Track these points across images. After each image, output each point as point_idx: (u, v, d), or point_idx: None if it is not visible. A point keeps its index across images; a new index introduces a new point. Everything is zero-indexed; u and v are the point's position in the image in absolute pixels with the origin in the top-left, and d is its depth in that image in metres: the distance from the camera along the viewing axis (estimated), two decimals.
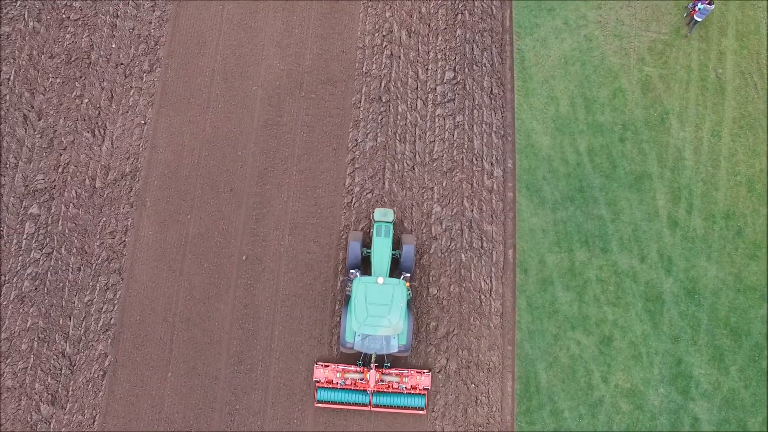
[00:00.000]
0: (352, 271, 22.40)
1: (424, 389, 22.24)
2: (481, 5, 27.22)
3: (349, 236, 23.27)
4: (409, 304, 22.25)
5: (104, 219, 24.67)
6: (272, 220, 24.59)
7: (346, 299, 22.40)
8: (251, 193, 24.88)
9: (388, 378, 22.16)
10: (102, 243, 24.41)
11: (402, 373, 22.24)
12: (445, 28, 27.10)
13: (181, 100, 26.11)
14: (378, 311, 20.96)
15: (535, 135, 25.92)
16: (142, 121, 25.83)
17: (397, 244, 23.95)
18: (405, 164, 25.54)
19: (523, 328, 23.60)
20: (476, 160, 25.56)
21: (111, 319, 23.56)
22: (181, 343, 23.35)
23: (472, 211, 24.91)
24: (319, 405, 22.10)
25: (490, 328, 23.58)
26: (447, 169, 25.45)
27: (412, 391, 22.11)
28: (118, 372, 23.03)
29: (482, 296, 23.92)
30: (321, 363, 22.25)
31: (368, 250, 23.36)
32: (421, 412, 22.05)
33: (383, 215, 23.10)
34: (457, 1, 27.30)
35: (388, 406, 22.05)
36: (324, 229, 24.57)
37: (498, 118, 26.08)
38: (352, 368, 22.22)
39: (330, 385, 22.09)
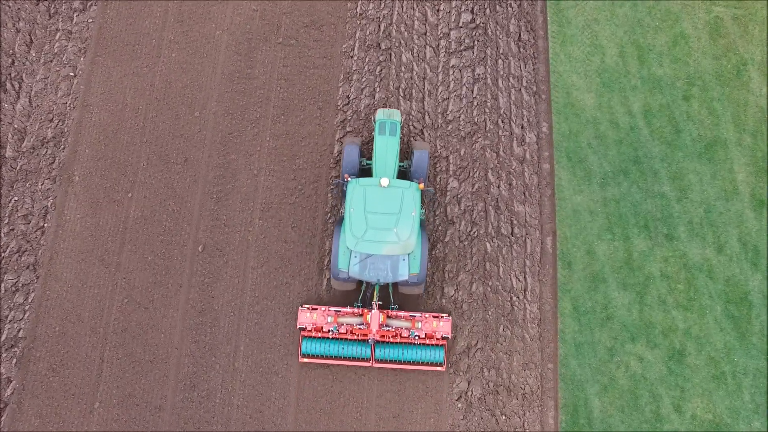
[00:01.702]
0: (346, 175, 18.11)
1: (443, 338, 17.91)
2: None
3: (344, 140, 19.06)
4: (423, 226, 18.11)
5: (16, 198, 19.43)
6: (238, 200, 19.74)
7: (339, 220, 18.14)
8: (211, 165, 20.10)
9: (395, 323, 17.80)
10: (12, 230, 19.15)
11: (414, 317, 17.90)
12: None
13: (124, 47, 21.21)
14: (382, 222, 16.90)
15: (576, 92, 21.34)
16: (71, 73, 20.84)
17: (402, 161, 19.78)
18: (411, 127, 20.69)
19: (567, 340, 18.86)
20: (503, 122, 20.71)
21: (19, 331, 18.22)
22: (114, 362, 18.24)
23: (498, 186, 20.01)
24: (305, 360, 17.82)
25: (525, 341, 18.72)
26: (465, 133, 20.65)
27: (427, 341, 17.81)
28: (24, 404, 17.67)
29: (514, 298, 19.13)
30: (308, 306, 17.99)
31: (368, 162, 19.02)
32: (439, 368, 17.85)
33: (388, 115, 18.70)
34: None
35: (395, 361, 17.80)
36: (305, 211, 19.64)
37: (529, 71, 21.50)
38: (348, 310, 17.87)
39: (319, 334, 17.81)
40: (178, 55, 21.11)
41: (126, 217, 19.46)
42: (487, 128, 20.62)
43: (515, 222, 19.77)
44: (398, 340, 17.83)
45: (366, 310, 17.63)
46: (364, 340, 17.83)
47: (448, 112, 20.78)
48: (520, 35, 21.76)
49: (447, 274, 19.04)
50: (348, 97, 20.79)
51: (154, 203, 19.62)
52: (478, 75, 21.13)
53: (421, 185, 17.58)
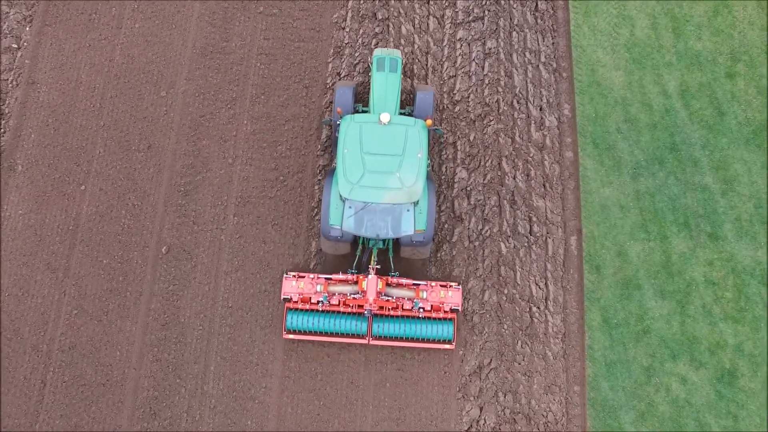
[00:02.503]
0: (338, 108, 16.11)
1: (452, 311, 16.02)
2: None
3: (336, 84, 17.09)
4: (429, 176, 16.06)
5: None
6: (210, 193, 17.56)
7: (331, 171, 16.18)
8: (179, 153, 17.87)
9: (396, 292, 15.74)
10: None
11: (418, 286, 15.95)
12: None
13: (78, 16, 18.97)
14: (382, 164, 15.01)
15: (603, 69, 19.26)
16: (14, 45, 18.63)
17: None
18: None
19: (597, 358, 16.64)
20: (518, 103, 18.69)
21: None
22: (59, 385, 15.82)
23: (514, 177, 17.94)
24: (290, 336, 15.84)
25: (547, 359, 16.52)
26: (476, 116, 18.41)
27: (434, 315, 15.89)
28: None
29: (533, 308, 16.90)
30: (293, 273, 16.15)
31: (365, 108, 17.17)
32: (448, 346, 15.90)
33: (387, 53, 16.71)
34: None
35: (396, 338, 15.87)
36: (289, 206, 17.48)
37: (547, 45, 19.40)
38: (341, 277, 15.96)
39: (307, 306, 15.85)
40: (142, 26, 18.91)
41: (78, 214, 17.14)
42: (501, 110, 18.31)
43: (534, 219, 17.53)
44: (399, 313, 15.83)
45: (361, 276, 15.49)
46: (359, 314, 15.71)
47: (455, 92, 18.49)
48: (536, 4, 19.77)
49: (455, 280, 16.63)
50: (339, 74, 18.64)
51: (112, 197, 17.34)
52: (490, 49, 18.96)
53: (429, 122, 15.43)
